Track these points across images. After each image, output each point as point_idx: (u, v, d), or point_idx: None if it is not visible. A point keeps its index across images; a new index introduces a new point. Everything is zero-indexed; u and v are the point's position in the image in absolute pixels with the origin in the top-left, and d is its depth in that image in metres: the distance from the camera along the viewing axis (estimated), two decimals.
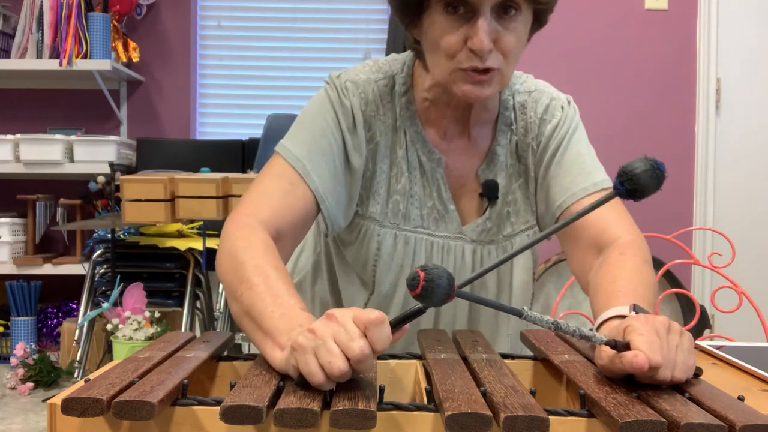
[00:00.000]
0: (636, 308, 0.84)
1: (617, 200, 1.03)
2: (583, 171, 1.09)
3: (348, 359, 0.68)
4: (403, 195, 1.10)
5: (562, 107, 1.14)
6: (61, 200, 3.51)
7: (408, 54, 1.14)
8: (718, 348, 1.02)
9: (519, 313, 0.71)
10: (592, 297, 0.97)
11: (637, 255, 0.99)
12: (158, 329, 2.48)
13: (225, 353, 0.92)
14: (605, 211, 1.02)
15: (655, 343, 0.72)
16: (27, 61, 3.42)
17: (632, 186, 0.71)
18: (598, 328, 0.87)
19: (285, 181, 1.03)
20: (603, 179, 1.09)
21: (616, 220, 1.05)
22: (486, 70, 0.98)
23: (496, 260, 0.76)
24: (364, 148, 1.08)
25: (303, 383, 0.70)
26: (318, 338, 0.70)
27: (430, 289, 0.65)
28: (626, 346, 0.73)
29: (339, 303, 1.20)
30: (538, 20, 1.04)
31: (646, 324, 0.75)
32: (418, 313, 0.72)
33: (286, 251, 1.04)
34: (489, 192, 1.12)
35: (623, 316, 0.83)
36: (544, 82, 1.18)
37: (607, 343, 0.74)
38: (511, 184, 1.15)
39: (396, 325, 0.72)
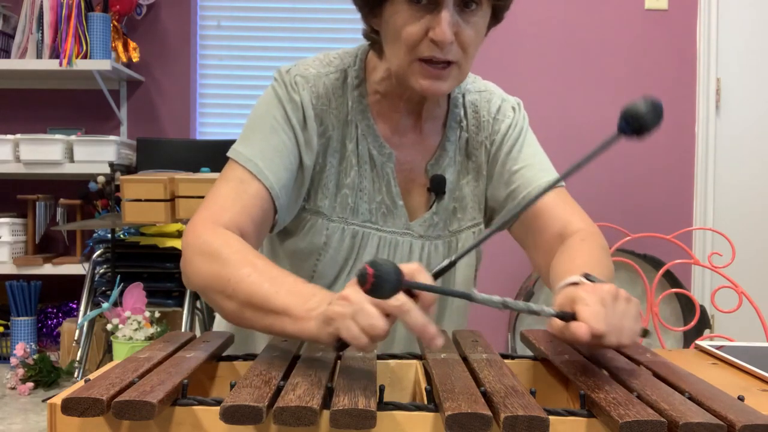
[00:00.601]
0: (588, 276, 0.87)
1: (568, 196, 1.12)
2: (543, 167, 1.14)
3: (387, 317, 0.72)
4: (352, 189, 1.10)
5: (514, 108, 1.18)
6: (61, 200, 3.51)
7: (360, 47, 1.13)
8: (718, 348, 1.02)
9: (468, 296, 0.73)
10: (552, 276, 1.01)
11: (596, 242, 1.06)
12: (158, 329, 2.48)
13: (225, 353, 0.92)
14: (568, 207, 1.11)
15: (600, 313, 0.76)
16: (27, 61, 3.42)
17: (637, 124, 0.77)
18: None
19: (237, 182, 1.02)
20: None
21: (578, 215, 1.11)
22: (445, 63, 0.99)
23: (467, 246, 0.80)
24: (315, 144, 1.07)
25: (342, 348, 0.75)
26: (354, 303, 0.73)
27: (380, 284, 0.67)
28: (573, 317, 0.77)
29: None
30: (496, 16, 1.05)
31: (592, 294, 0.79)
32: (451, 265, 0.81)
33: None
34: (436, 186, 1.13)
35: (576, 284, 0.86)
36: (492, 83, 1.21)
37: (555, 316, 0.78)
38: (459, 180, 1.16)
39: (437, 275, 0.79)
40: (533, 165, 1.14)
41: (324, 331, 0.76)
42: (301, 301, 0.81)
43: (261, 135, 1.05)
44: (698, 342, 1.06)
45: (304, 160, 1.06)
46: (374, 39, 1.07)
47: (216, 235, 0.95)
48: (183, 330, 2.86)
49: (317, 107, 1.07)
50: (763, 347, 1.05)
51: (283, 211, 1.06)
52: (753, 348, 1.03)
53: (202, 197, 2.33)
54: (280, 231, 1.13)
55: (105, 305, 2.52)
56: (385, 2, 1.00)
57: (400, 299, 0.72)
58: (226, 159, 1.07)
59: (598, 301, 0.77)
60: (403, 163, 1.12)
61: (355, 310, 0.72)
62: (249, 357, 0.90)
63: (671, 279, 2.93)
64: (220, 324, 1.26)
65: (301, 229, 1.11)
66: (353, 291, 0.74)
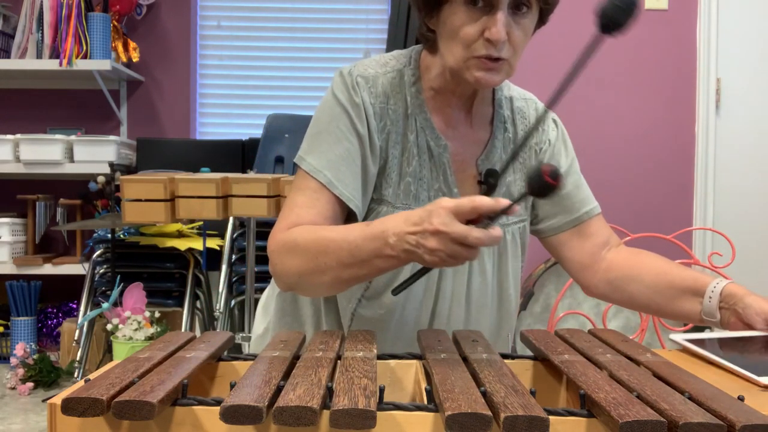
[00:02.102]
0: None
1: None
2: (589, 190, 1.30)
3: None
4: (414, 177, 1.16)
5: (555, 121, 1.28)
6: (61, 200, 3.52)
7: (413, 49, 1.21)
8: (691, 341, 1.02)
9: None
10: (645, 274, 1.21)
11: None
12: (158, 329, 2.49)
13: (225, 353, 0.92)
14: (607, 226, 1.30)
15: None
16: (27, 61, 3.43)
17: (611, 21, 0.87)
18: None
19: (310, 191, 1.11)
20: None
21: (611, 230, 1.30)
22: (497, 59, 1.06)
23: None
24: (377, 143, 1.14)
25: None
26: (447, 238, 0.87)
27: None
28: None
29: (332, 297, 1.21)
30: (542, 19, 1.14)
31: None
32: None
33: None
34: (488, 179, 1.19)
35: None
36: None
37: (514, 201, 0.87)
38: (506, 177, 1.23)
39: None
40: (583, 186, 1.28)
41: (419, 257, 0.90)
42: (383, 229, 0.94)
43: (327, 144, 1.12)
44: (672, 336, 1.07)
45: (369, 163, 1.13)
46: (428, 38, 1.15)
47: (290, 233, 1.07)
48: (183, 330, 2.86)
49: (376, 105, 1.14)
50: (733, 337, 1.06)
51: (361, 210, 1.14)
52: (723, 339, 1.04)
53: (202, 197, 2.34)
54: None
55: (105, 305, 2.52)
56: (444, 4, 1.08)
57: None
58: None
59: None
60: (456, 154, 1.20)
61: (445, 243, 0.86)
62: (249, 357, 0.90)
63: None
64: (259, 319, 1.32)
65: (367, 219, 1.16)
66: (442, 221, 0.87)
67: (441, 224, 0.87)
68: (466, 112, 1.19)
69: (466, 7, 1.05)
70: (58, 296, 3.58)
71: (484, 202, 0.86)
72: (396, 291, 0.99)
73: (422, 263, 0.92)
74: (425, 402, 0.72)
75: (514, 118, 1.24)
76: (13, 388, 2.98)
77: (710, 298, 1.13)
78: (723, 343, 1.04)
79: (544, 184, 0.83)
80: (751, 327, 1.07)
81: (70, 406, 0.66)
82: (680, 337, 1.04)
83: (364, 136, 1.12)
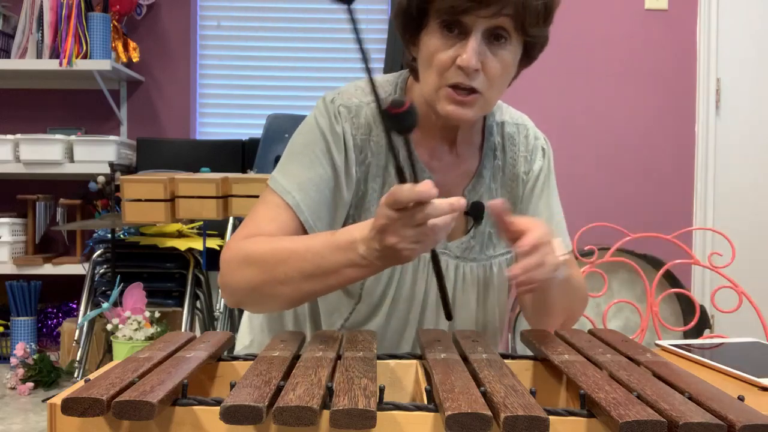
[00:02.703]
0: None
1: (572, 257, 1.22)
2: (559, 228, 1.23)
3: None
4: None
5: (543, 149, 1.24)
6: (61, 200, 3.51)
7: (400, 74, 1.19)
8: (678, 346, 1.02)
9: None
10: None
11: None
12: (158, 329, 2.48)
13: (225, 353, 0.92)
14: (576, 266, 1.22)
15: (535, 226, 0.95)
16: (27, 61, 3.42)
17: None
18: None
19: (274, 206, 1.09)
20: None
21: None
22: (470, 90, 1.03)
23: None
24: (354, 174, 1.12)
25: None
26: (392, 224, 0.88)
27: (412, 112, 0.84)
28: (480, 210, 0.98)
29: (315, 313, 1.20)
30: (528, 55, 1.09)
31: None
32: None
33: None
34: (475, 212, 1.17)
35: None
36: (525, 115, 1.26)
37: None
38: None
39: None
40: (553, 220, 1.21)
41: (389, 261, 0.91)
42: (349, 253, 0.93)
43: (300, 167, 1.11)
44: (658, 342, 1.08)
45: (343, 193, 1.12)
46: (412, 66, 1.13)
47: (246, 242, 1.04)
48: (183, 330, 2.86)
49: (357, 137, 1.12)
50: (721, 342, 1.07)
51: None
52: (712, 344, 1.05)
53: (203, 197, 2.34)
54: None
55: (105, 305, 2.52)
56: (422, 31, 1.06)
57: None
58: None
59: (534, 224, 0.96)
60: (441, 185, 1.15)
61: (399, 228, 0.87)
62: (249, 357, 0.90)
63: (671, 279, 2.93)
64: (245, 330, 1.29)
65: None
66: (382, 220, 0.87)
67: (384, 218, 0.87)
68: (450, 142, 1.16)
69: (441, 34, 1.03)
70: (58, 296, 3.58)
71: (402, 188, 0.86)
72: (449, 316, 1.02)
73: (399, 262, 0.92)
74: (425, 402, 0.72)
75: (504, 144, 1.20)
76: (13, 388, 2.98)
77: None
78: (707, 349, 1.04)
79: (390, 116, 0.86)
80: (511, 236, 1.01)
81: (70, 406, 0.66)
82: (666, 344, 1.05)
83: (339, 166, 1.10)
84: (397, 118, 0.85)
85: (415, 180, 0.88)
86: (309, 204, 1.08)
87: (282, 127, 3.34)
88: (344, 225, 1.13)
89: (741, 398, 0.71)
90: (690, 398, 0.71)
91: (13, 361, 3.04)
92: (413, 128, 0.87)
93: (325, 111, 1.13)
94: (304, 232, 1.08)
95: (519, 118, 1.24)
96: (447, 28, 1.02)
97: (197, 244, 2.95)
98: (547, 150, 1.24)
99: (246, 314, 1.35)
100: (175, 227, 3.02)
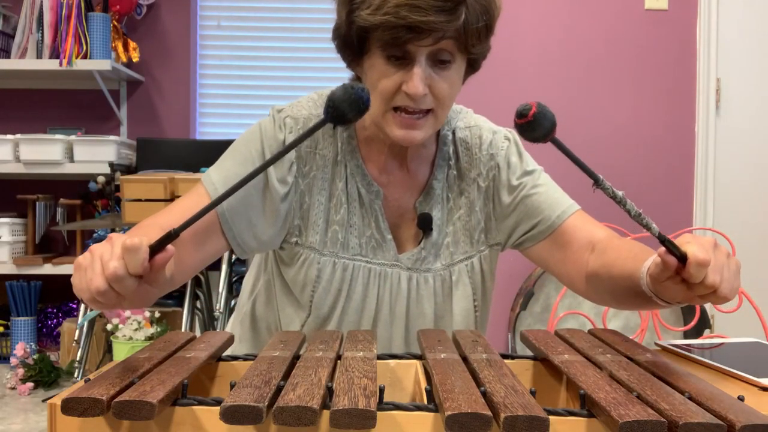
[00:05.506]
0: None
1: (586, 214, 1.19)
2: (550, 193, 1.18)
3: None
4: (342, 225, 1.14)
5: (507, 138, 1.20)
6: (61, 200, 3.51)
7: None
8: (677, 346, 1.02)
9: (596, 179, 0.79)
10: (616, 263, 1.01)
11: (630, 240, 1.12)
12: (158, 329, 2.48)
13: (225, 353, 0.92)
14: (589, 222, 1.17)
15: (707, 247, 0.79)
16: (27, 61, 3.42)
17: (336, 112, 0.81)
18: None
19: (196, 196, 1.09)
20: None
21: (600, 227, 1.17)
22: (420, 113, 1.03)
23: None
24: (290, 180, 1.11)
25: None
26: (93, 257, 0.77)
27: (540, 118, 0.77)
28: (683, 256, 0.78)
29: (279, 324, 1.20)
30: (472, 66, 1.09)
31: (695, 238, 0.81)
32: (170, 237, 0.78)
33: (183, 253, 1.01)
34: (423, 224, 1.16)
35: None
36: (481, 117, 1.23)
37: (662, 240, 0.79)
38: (450, 216, 1.18)
39: (155, 248, 0.77)
40: (554, 188, 1.18)
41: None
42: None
43: (231, 162, 1.12)
44: (658, 342, 1.08)
45: (275, 196, 1.09)
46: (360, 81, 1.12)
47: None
48: (183, 330, 2.86)
49: (301, 149, 1.12)
50: (722, 342, 1.07)
51: (241, 236, 1.09)
52: (711, 344, 1.05)
53: None
54: (281, 261, 1.17)
55: None
56: (365, 54, 1.05)
57: (116, 266, 0.75)
58: None
59: (702, 243, 0.80)
60: (391, 200, 1.17)
61: (89, 263, 0.77)
62: (249, 357, 0.90)
63: None
64: (234, 327, 1.29)
65: (296, 262, 1.15)
66: (98, 245, 0.79)
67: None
68: (401, 157, 1.16)
69: (384, 61, 1.02)
70: (58, 296, 3.58)
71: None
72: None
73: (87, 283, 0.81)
74: (425, 402, 0.72)
75: (457, 151, 1.19)
76: (13, 388, 2.98)
77: (645, 283, 0.92)
78: (707, 349, 1.04)
79: (523, 128, 0.80)
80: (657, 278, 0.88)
81: (70, 406, 0.66)
82: (666, 344, 1.05)
83: (270, 170, 1.09)
84: (530, 127, 0.80)
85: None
86: (230, 200, 1.06)
87: None
88: (289, 235, 1.13)
89: (741, 398, 0.71)
90: (690, 398, 0.71)
91: (13, 361, 3.04)
92: (554, 125, 0.81)
93: (272, 119, 1.14)
94: (220, 228, 1.07)
95: (472, 120, 1.21)
96: (391, 56, 1.01)
97: None
98: (512, 137, 1.20)
99: (229, 322, 1.34)
100: None
